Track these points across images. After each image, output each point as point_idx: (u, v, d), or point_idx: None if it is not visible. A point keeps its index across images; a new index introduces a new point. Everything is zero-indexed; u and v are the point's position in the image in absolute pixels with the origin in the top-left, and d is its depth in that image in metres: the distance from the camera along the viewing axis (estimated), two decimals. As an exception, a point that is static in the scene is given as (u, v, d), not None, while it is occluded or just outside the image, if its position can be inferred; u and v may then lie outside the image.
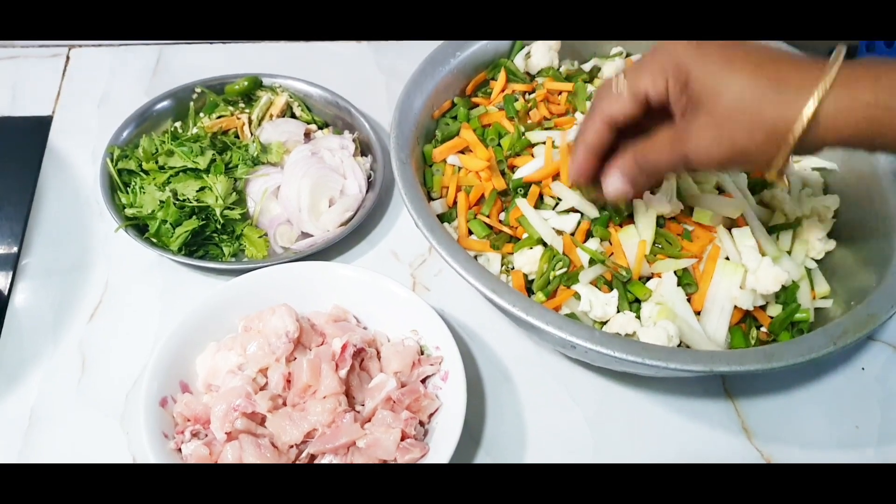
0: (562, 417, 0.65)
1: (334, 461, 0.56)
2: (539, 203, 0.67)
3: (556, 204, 0.66)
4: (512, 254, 0.65)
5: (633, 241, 0.62)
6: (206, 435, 0.57)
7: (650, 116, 0.53)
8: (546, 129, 0.71)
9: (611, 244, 0.64)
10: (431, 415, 0.61)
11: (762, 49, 0.49)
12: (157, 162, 0.74)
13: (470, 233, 0.67)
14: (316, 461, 0.57)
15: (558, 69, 0.79)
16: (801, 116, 0.46)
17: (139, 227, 0.71)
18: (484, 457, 0.63)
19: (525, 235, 0.65)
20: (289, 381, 0.59)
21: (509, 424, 0.64)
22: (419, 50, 0.77)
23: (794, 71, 0.47)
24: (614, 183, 0.55)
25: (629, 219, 0.64)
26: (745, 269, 0.61)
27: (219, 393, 0.58)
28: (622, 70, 0.54)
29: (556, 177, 0.67)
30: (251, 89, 0.83)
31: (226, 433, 0.56)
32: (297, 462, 0.57)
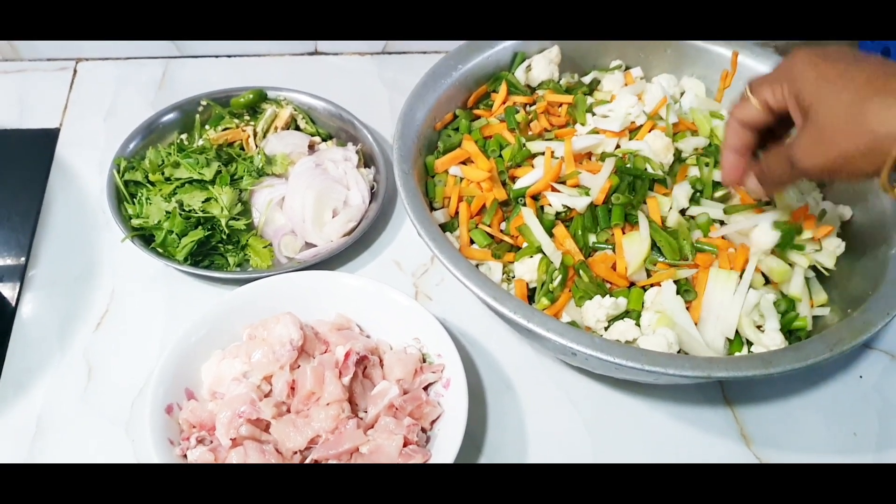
0: (562, 424, 0.66)
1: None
2: (540, 212, 0.67)
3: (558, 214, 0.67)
4: (513, 262, 0.66)
5: (636, 247, 0.63)
6: (212, 441, 0.58)
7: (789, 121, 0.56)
8: (547, 140, 0.73)
9: (614, 251, 0.65)
10: (433, 422, 0.61)
11: (877, 63, 0.51)
12: (163, 173, 0.75)
13: (471, 242, 0.68)
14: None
15: (558, 82, 0.80)
16: None
17: (145, 237, 0.72)
18: (485, 463, 0.63)
19: (525, 245, 0.66)
20: (293, 389, 0.60)
21: (510, 431, 0.65)
22: (421, 63, 0.79)
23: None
24: (751, 185, 0.60)
25: (634, 225, 0.65)
26: (738, 276, 0.62)
27: (224, 400, 0.59)
28: (750, 80, 0.58)
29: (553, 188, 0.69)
30: (256, 102, 0.84)
31: (231, 439, 0.57)
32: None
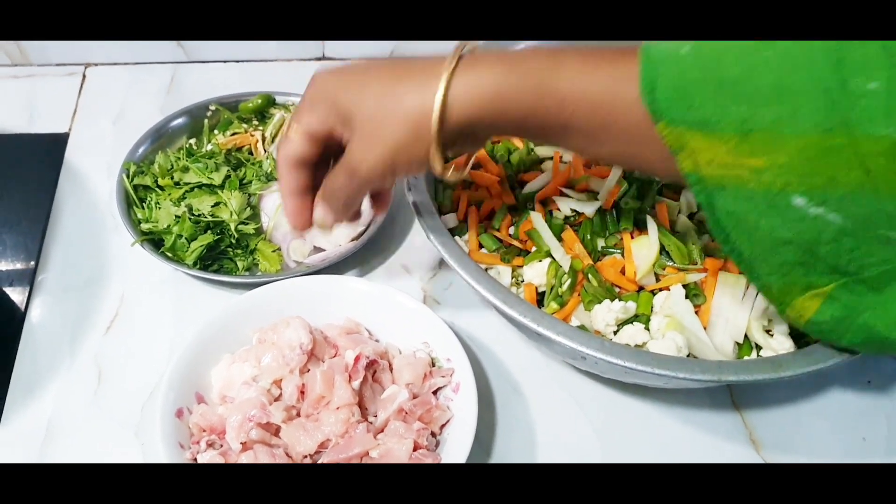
0: (571, 428, 0.66)
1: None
2: (548, 217, 0.68)
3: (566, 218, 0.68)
4: (522, 267, 0.66)
5: (644, 251, 0.64)
6: (222, 445, 0.58)
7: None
8: (555, 145, 0.73)
9: (622, 256, 0.65)
10: (443, 426, 0.61)
11: (391, 60, 0.54)
12: (172, 178, 0.75)
13: (480, 247, 0.68)
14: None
15: (566, 87, 0.80)
16: (435, 100, 0.49)
17: (154, 241, 0.73)
18: (495, 468, 0.63)
19: (534, 249, 0.66)
20: (302, 393, 0.60)
21: (519, 435, 0.65)
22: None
23: (424, 64, 0.50)
24: (317, 213, 0.58)
25: (643, 229, 0.65)
26: (747, 281, 0.62)
27: (234, 404, 0.59)
28: (292, 114, 0.56)
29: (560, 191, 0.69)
30: (264, 107, 0.84)
31: (241, 443, 0.57)
32: (312, 471, 0.57)
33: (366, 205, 0.76)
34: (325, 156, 0.57)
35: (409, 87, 0.50)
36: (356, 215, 0.63)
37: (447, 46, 0.92)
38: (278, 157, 0.57)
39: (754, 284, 0.50)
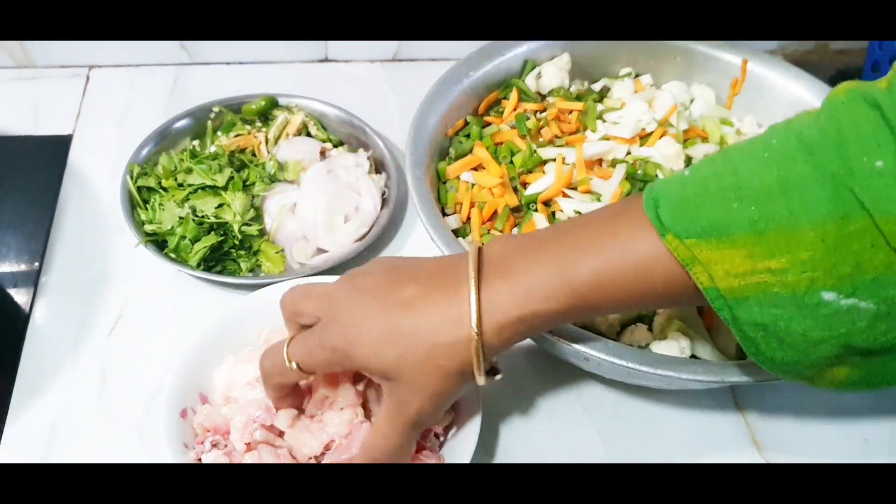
0: (574, 430, 0.66)
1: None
2: (551, 218, 0.68)
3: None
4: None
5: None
6: (226, 445, 0.58)
7: None
8: (557, 146, 0.73)
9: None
10: (447, 427, 0.61)
11: (396, 288, 0.51)
12: (176, 179, 0.75)
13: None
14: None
15: (569, 89, 0.81)
16: (472, 351, 0.48)
17: (158, 242, 0.73)
18: (498, 469, 0.64)
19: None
20: (310, 391, 0.60)
21: (522, 437, 0.65)
22: (431, 71, 0.79)
23: (443, 306, 0.49)
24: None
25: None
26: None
27: (238, 405, 0.59)
28: (287, 341, 0.54)
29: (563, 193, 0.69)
30: (268, 109, 0.84)
31: (245, 444, 0.57)
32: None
33: (369, 205, 0.76)
34: None
35: (440, 344, 0.48)
36: None
37: (449, 46, 0.93)
38: (266, 377, 0.55)
39: (787, 380, 0.49)
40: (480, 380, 0.50)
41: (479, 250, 0.50)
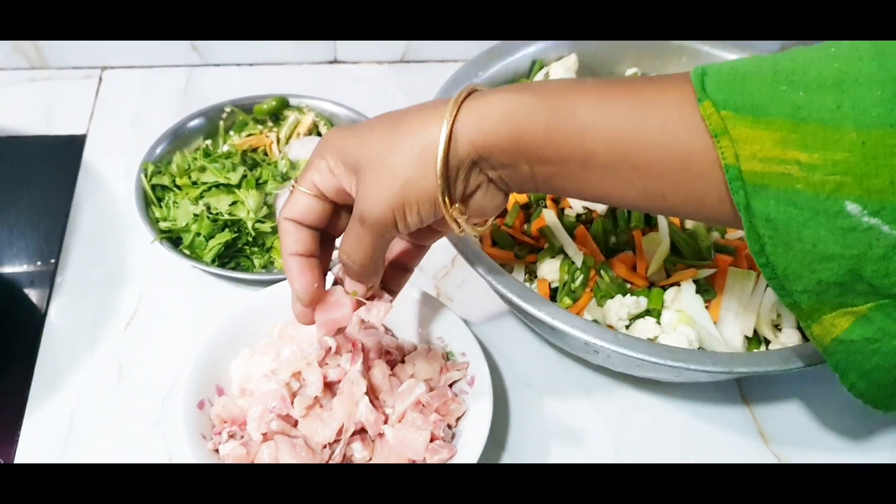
0: (583, 423, 0.67)
1: (365, 455, 0.58)
2: (560, 215, 0.69)
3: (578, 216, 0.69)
4: (535, 263, 0.67)
5: (655, 248, 0.65)
6: (243, 436, 0.59)
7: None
8: (566, 144, 0.74)
9: (634, 253, 0.66)
10: (459, 418, 0.62)
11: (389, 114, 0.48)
12: (189, 177, 0.77)
13: (494, 243, 0.69)
14: (349, 459, 0.59)
15: (576, 89, 0.82)
16: (441, 128, 0.44)
17: (172, 239, 0.74)
18: (508, 460, 0.65)
19: (547, 246, 0.67)
20: (327, 385, 0.61)
21: (532, 430, 0.66)
22: (439, 72, 0.81)
23: (434, 103, 0.47)
24: (349, 287, 0.53)
25: (654, 226, 0.67)
26: (756, 276, 0.63)
27: (254, 396, 0.60)
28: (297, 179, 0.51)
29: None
30: (279, 109, 0.86)
31: (262, 434, 0.58)
32: (331, 461, 0.58)
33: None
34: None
35: (415, 122, 0.45)
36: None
37: (456, 48, 0.94)
38: (279, 218, 0.52)
39: (781, 300, 0.46)
40: (439, 182, 0.45)
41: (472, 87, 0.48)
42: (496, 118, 0.45)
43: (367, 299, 0.53)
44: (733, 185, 0.42)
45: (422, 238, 0.55)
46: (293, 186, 0.51)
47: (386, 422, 0.60)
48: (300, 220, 0.50)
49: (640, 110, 0.44)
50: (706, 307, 0.64)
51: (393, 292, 0.55)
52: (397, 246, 0.56)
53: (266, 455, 0.57)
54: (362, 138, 0.47)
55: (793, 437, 0.67)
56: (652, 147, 0.44)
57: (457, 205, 0.47)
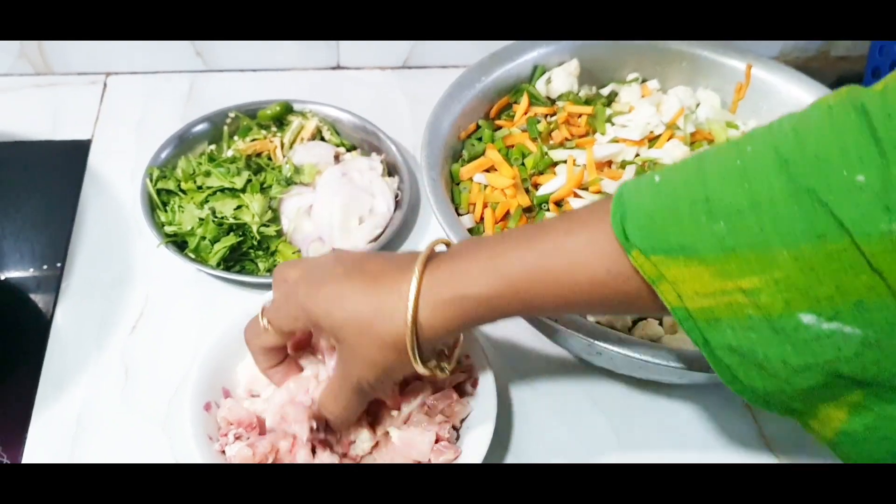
0: (586, 424, 0.68)
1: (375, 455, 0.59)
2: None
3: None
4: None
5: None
6: (249, 437, 0.60)
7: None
8: (568, 148, 0.75)
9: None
10: (463, 420, 0.63)
11: (360, 260, 0.53)
12: (195, 182, 0.77)
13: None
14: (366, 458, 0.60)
15: (578, 93, 0.82)
16: (406, 325, 0.48)
17: (178, 243, 0.75)
18: (512, 461, 0.65)
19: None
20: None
21: (536, 431, 0.67)
22: (441, 77, 0.82)
23: (391, 277, 0.50)
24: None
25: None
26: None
27: (283, 396, 0.61)
28: (263, 307, 0.58)
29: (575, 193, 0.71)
30: (283, 114, 0.86)
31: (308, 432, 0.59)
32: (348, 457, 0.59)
33: (382, 207, 0.78)
34: None
35: (381, 313, 0.49)
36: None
37: (459, 53, 0.95)
38: (248, 342, 0.59)
39: (774, 412, 0.44)
40: (416, 364, 0.50)
41: (433, 245, 0.52)
42: (445, 304, 0.49)
43: None
44: (685, 325, 0.42)
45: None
46: (261, 318, 0.57)
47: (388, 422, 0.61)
48: (269, 349, 0.59)
49: (571, 264, 0.46)
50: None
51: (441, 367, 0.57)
52: None
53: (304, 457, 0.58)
54: (330, 313, 0.51)
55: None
56: (590, 297, 0.46)
57: (432, 362, 0.53)
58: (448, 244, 0.53)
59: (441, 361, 0.54)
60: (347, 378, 0.53)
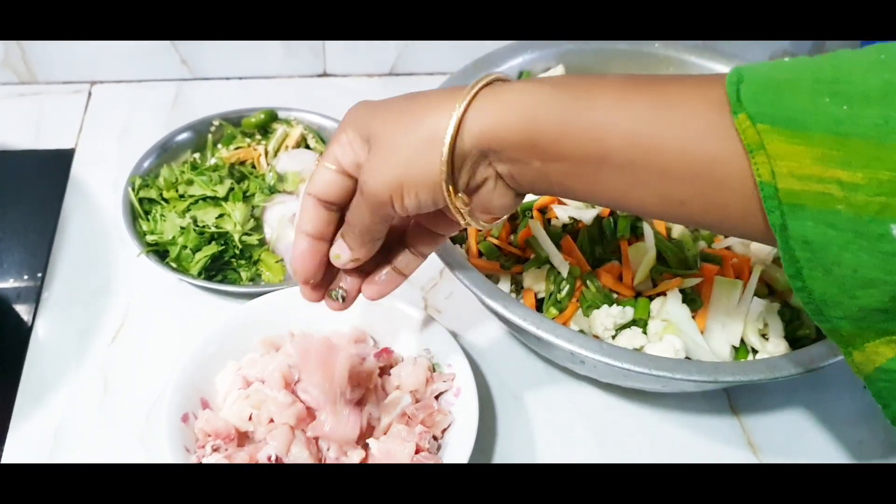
0: (570, 434, 0.67)
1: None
2: (547, 225, 0.69)
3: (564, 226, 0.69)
4: (521, 274, 0.67)
5: (642, 257, 0.65)
6: (227, 449, 0.59)
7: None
8: (552, 155, 0.74)
9: (620, 262, 0.66)
10: (444, 430, 0.62)
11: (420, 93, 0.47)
12: (177, 190, 0.77)
13: (480, 254, 0.69)
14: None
15: (563, 100, 0.82)
16: (454, 112, 0.43)
17: (159, 253, 0.74)
18: (496, 472, 0.64)
19: (533, 256, 0.67)
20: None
21: (519, 440, 0.66)
22: (427, 84, 0.81)
23: (454, 89, 0.45)
24: (335, 249, 0.51)
25: (640, 236, 0.67)
26: (743, 286, 0.63)
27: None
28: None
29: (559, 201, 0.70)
30: (267, 122, 0.86)
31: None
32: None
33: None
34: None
35: (428, 105, 0.45)
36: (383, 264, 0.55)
37: (445, 60, 0.94)
38: (302, 193, 0.51)
39: (820, 327, 0.42)
40: (446, 174, 0.44)
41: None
42: (509, 110, 0.43)
43: (367, 273, 0.54)
44: (768, 203, 0.39)
45: (436, 225, 0.53)
46: (317, 162, 0.49)
47: (371, 434, 0.60)
48: (321, 195, 0.49)
49: (663, 111, 0.42)
50: (693, 317, 0.63)
51: (403, 274, 0.54)
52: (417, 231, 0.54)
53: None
54: (378, 113, 0.46)
55: (782, 447, 0.67)
56: (672, 151, 0.42)
57: (461, 195, 0.46)
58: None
59: (473, 211, 0.48)
60: (366, 186, 0.46)
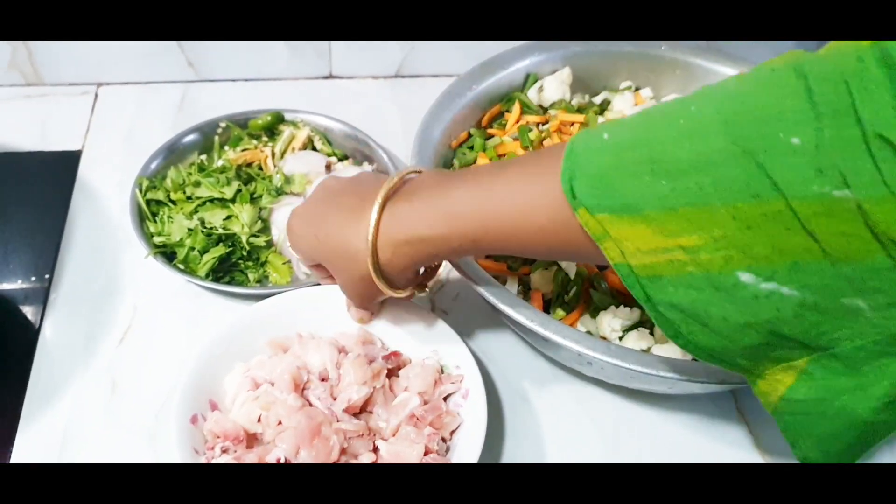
0: (578, 435, 0.67)
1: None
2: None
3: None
4: (528, 275, 0.67)
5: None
6: (236, 451, 0.59)
7: None
8: (559, 157, 0.74)
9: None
10: (453, 431, 0.62)
11: (341, 195, 0.58)
12: (184, 192, 0.77)
13: (487, 256, 0.69)
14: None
15: (570, 102, 0.82)
16: (369, 267, 0.54)
17: (167, 254, 0.74)
18: (504, 473, 0.64)
19: (541, 258, 0.67)
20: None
21: (527, 442, 0.66)
22: (433, 86, 0.81)
23: (358, 219, 0.54)
24: (352, 314, 0.66)
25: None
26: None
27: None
28: None
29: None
30: (274, 124, 0.86)
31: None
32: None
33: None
34: None
35: (349, 253, 0.55)
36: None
37: (451, 62, 0.95)
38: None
39: (722, 367, 0.45)
40: (391, 293, 0.57)
41: (403, 175, 0.55)
42: (401, 243, 0.53)
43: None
44: (628, 281, 0.44)
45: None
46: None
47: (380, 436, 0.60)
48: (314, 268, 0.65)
49: (518, 212, 0.49)
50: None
51: (422, 287, 0.62)
52: None
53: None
54: (317, 250, 0.59)
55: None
56: (536, 244, 0.49)
57: (408, 290, 0.59)
58: (420, 172, 0.56)
59: (424, 280, 0.61)
60: (343, 286, 0.61)
